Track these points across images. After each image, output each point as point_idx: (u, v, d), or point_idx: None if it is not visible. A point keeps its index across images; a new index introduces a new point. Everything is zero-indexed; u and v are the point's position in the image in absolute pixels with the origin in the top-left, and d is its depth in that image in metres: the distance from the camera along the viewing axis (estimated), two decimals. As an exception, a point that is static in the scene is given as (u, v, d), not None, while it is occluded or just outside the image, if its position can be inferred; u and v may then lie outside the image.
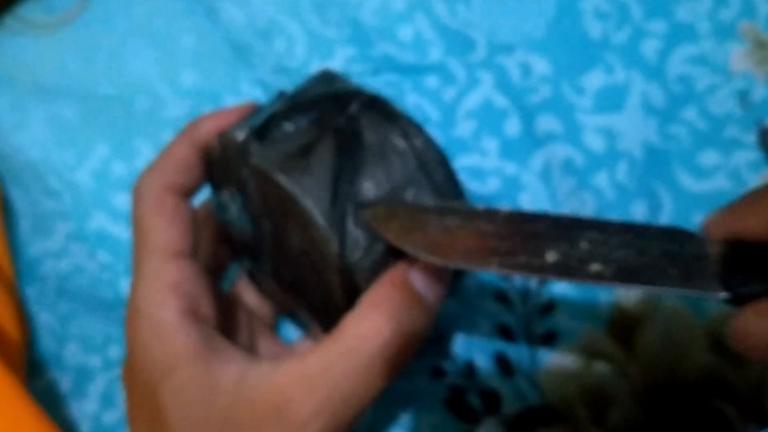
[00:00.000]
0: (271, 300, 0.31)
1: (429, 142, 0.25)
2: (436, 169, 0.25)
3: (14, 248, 0.36)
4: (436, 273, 0.24)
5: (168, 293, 0.24)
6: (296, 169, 0.24)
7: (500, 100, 0.35)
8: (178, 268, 0.24)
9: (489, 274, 0.33)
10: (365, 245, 0.24)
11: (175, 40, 0.38)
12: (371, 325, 0.22)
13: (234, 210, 0.27)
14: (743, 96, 0.33)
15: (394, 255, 0.24)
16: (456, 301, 0.33)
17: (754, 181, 0.32)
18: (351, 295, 0.24)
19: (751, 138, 0.33)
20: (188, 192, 0.26)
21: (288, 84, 0.36)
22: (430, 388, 0.32)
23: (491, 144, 0.35)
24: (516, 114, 0.35)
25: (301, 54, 0.37)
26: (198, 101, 0.37)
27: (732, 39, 0.34)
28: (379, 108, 0.26)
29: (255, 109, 0.27)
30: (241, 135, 0.25)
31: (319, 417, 0.21)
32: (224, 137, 0.25)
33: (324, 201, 0.24)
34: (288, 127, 0.25)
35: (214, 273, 0.31)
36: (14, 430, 0.28)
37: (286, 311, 0.31)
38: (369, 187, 0.24)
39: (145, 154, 0.37)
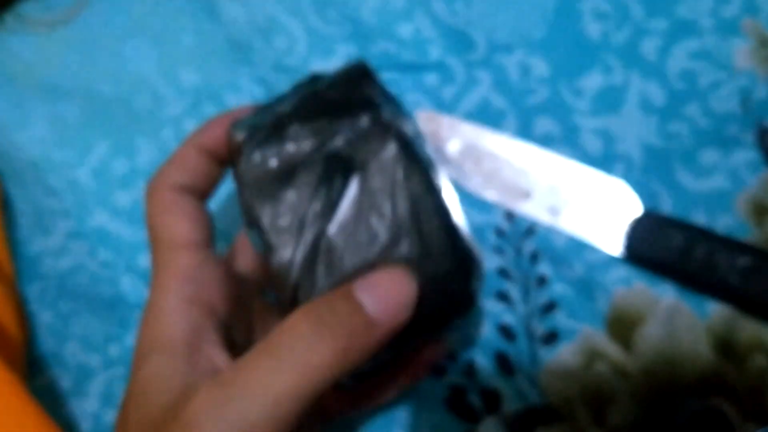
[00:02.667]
0: None
1: (430, 186, 0.24)
2: (430, 219, 0.23)
3: (14, 247, 0.36)
4: (386, 289, 0.22)
5: (172, 279, 0.24)
6: (269, 197, 0.23)
7: (498, 101, 0.35)
8: (186, 256, 0.25)
9: (490, 273, 0.33)
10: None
11: (175, 38, 0.38)
12: (294, 328, 0.21)
13: (244, 216, 0.26)
14: (745, 96, 0.33)
15: None
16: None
17: (752, 181, 0.32)
18: None
19: (751, 137, 0.33)
20: (199, 192, 0.27)
21: (287, 83, 0.36)
22: (430, 388, 0.32)
23: (491, 143, 0.35)
24: (514, 115, 0.35)
25: (301, 52, 0.37)
26: (198, 99, 0.37)
27: (735, 35, 0.34)
28: (383, 126, 0.24)
29: (268, 101, 0.26)
30: (240, 135, 0.25)
31: (216, 420, 0.20)
32: (231, 137, 0.25)
33: (289, 238, 0.23)
34: (286, 134, 0.24)
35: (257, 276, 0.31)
36: (15, 429, 0.28)
37: None
38: (337, 233, 0.23)
39: (145, 152, 0.37)
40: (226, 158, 0.27)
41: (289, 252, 0.23)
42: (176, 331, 0.23)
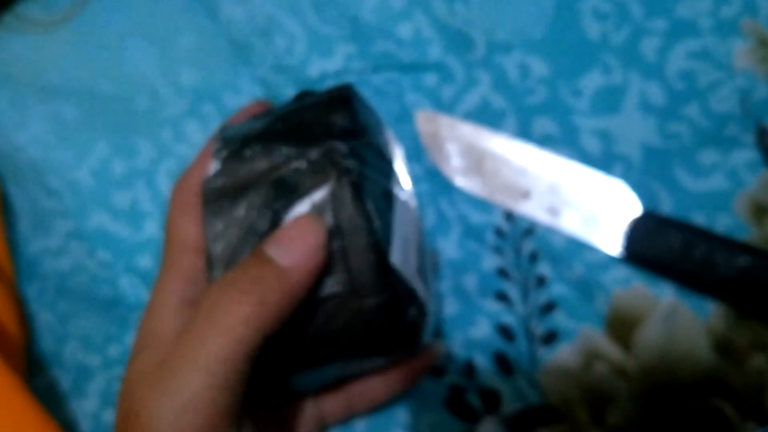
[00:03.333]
0: None
1: (367, 224, 0.24)
2: (360, 258, 0.23)
3: (14, 247, 0.36)
4: (292, 238, 0.23)
5: (175, 280, 0.25)
6: (219, 219, 0.24)
7: (498, 101, 0.35)
8: (192, 258, 0.25)
9: (489, 273, 0.33)
10: None
11: (174, 38, 0.38)
12: (221, 291, 0.22)
13: None
14: (744, 97, 0.33)
15: None
16: (456, 300, 0.33)
17: (752, 181, 0.32)
18: None
19: (751, 137, 0.33)
20: None
21: (287, 83, 0.36)
22: (429, 387, 0.32)
23: (491, 143, 0.35)
24: (513, 115, 0.35)
25: (300, 52, 0.37)
26: (198, 99, 0.37)
27: (734, 36, 0.34)
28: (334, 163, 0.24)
29: (264, 112, 0.27)
30: (214, 149, 0.25)
31: (164, 397, 0.21)
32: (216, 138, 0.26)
33: (227, 261, 0.24)
34: (248, 154, 0.25)
35: None
36: (16, 428, 0.28)
37: None
38: None
39: (145, 152, 0.37)
40: None
41: (220, 248, 0.24)
42: (169, 329, 0.24)
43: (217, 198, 0.24)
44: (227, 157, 0.25)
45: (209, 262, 0.24)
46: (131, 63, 0.38)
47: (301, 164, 0.24)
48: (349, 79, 0.36)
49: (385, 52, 0.36)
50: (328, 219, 0.23)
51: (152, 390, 0.21)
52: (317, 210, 0.23)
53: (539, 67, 0.35)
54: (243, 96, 0.37)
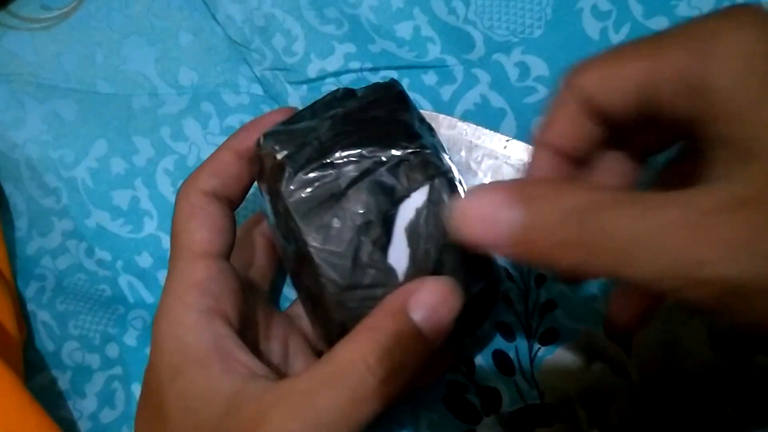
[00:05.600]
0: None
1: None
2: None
3: (12, 246, 0.36)
4: (437, 306, 0.23)
5: (189, 290, 0.24)
6: (315, 221, 0.24)
7: (497, 100, 0.35)
8: (203, 266, 0.25)
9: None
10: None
11: (173, 36, 0.38)
12: (356, 352, 0.22)
13: (271, 217, 0.26)
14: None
15: None
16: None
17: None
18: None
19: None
20: (229, 198, 0.27)
21: (286, 82, 0.36)
22: (429, 387, 0.32)
23: (490, 142, 0.35)
24: (513, 114, 0.35)
25: (299, 51, 0.37)
26: (196, 98, 0.37)
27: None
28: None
29: (299, 112, 0.27)
30: (280, 153, 0.25)
31: None
32: (264, 147, 0.25)
33: (343, 269, 0.24)
34: (331, 159, 0.24)
35: (264, 283, 0.31)
36: (15, 428, 0.28)
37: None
38: (400, 259, 0.24)
39: (144, 151, 0.37)
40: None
41: (338, 277, 0.24)
42: (203, 342, 0.23)
43: (310, 208, 0.24)
44: (306, 164, 0.24)
45: (319, 276, 0.24)
46: (129, 62, 0.38)
47: (391, 166, 0.24)
48: (349, 78, 0.36)
49: (384, 50, 0.36)
50: (429, 220, 0.24)
51: (275, 411, 0.21)
52: (418, 213, 0.24)
53: (539, 66, 0.35)
54: (242, 95, 0.37)
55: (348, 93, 0.27)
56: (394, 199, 0.24)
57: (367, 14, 0.36)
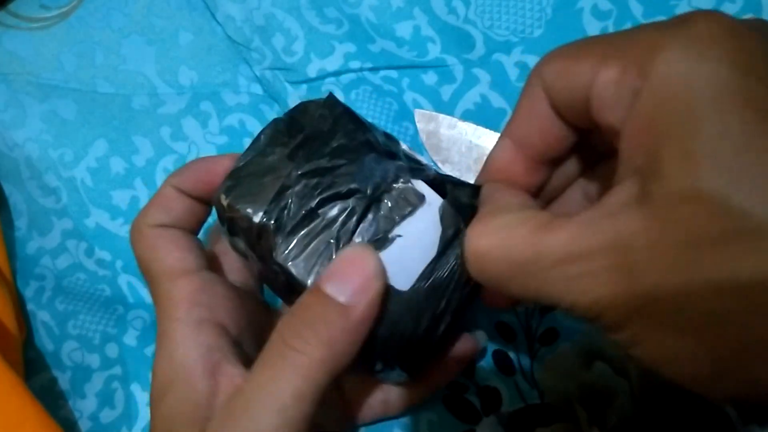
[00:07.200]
0: None
1: None
2: None
3: (12, 246, 0.36)
4: (347, 274, 0.22)
5: (178, 306, 0.24)
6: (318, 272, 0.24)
7: (497, 100, 0.35)
8: (187, 282, 0.25)
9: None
10: None
11: (172, 36, 0.38)
12: (285, 332, 0.22)
13: (242, 247, 0.26)
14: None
15: None
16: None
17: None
18: None
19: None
20: (185, 225, 0.26)
21: (286, 82, 0.36)
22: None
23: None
24: (514, 114, 0.35)
25: (299, 50, 0.37)
26: (196, 98, 0.37)
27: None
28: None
29: (245, 160, 0.25)
30: (257, 216, 0.24)
31: None
32: (232, 205, 0.24)
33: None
34: (316, 211, 0.24)
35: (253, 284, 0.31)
36: (15, 427, 0.28)
37: None
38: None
39: (144, 150, 0.37)
40: (209, 201, 0.26)
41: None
42: (190, 358, 0.23)
43: (306, 261, 0.24)
44: (291, 227, 0.24)
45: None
46: (129, 61, 0.38)
47: (376, 205, 0.24)
48: (349, 77, 0.36)
49: (384, 50, 0.36)
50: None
51: (222, 426, 0.21)
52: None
53: (539, 65, 0.35)
54: (241, 95, 0.37)
55: (290, 122, 0.26)
56: (386, 235, 0.24)
57: (367, 14, 0.36)
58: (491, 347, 0.32)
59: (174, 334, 0.24)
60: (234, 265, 0.29)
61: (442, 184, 0.25)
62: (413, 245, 0.24)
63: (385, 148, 0.26)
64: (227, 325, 0.25)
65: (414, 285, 0.24)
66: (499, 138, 0.24)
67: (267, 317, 0.29)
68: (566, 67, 0.20)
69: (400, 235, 0.24)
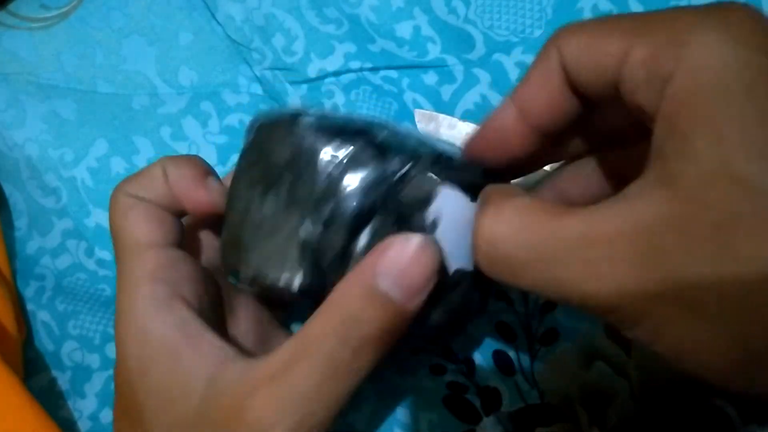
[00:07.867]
0: None
1: None
2: None
3: (11, 246, 0.36)
4: (406, 268, 0.21)
5: (143, 281, 0.24)
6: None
7: (497, 100, 0.35)
8: (152, 256, 0.24)
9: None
10: None
11: (173, 36, 0.38)
12: (326, 325, 0.21)
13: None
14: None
15: None
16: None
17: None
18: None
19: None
20: (164, 207, 0.26)
21: (286, 82, 0.36)
22: (429, 386, 0.32)
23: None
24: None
25: (299, 50, 0.37)
26: (196, 98, 0.37)
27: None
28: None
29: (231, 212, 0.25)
30: (269, 280, 0.23)
31: (283, 418, 0.20)
32: (242, 273, 0.24)
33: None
34: (323, 253, 0.23)
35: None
36: (14, 427, 0.28)
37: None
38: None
39: (144, 150, 0.37)
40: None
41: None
42: (168, 330, 0.23)
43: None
44: (309, 280, 0.23)
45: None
46: (129, 61, 0.38)
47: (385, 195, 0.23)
48: (349, 77, 0.36)
49: (384, 50, 0.36)
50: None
51: (271, 403, 0.20)
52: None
53: (539, 65, 0.35)
54: (241, 94, 0.37)
55: (252, 149, 0.25)
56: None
57: (367, 14, 0.36)
58: (491, 347, 0.32)
59: (143, 309, 0.23)
60: (212, 243, 0.29)
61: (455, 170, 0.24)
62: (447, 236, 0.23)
63: (384, 146, 0.24)
64: (192, 303, 0.24)
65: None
66: (504, 100, 0.23)
67: (235, 301, 0.29)
68: (591, 43, 0.19)
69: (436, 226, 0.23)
